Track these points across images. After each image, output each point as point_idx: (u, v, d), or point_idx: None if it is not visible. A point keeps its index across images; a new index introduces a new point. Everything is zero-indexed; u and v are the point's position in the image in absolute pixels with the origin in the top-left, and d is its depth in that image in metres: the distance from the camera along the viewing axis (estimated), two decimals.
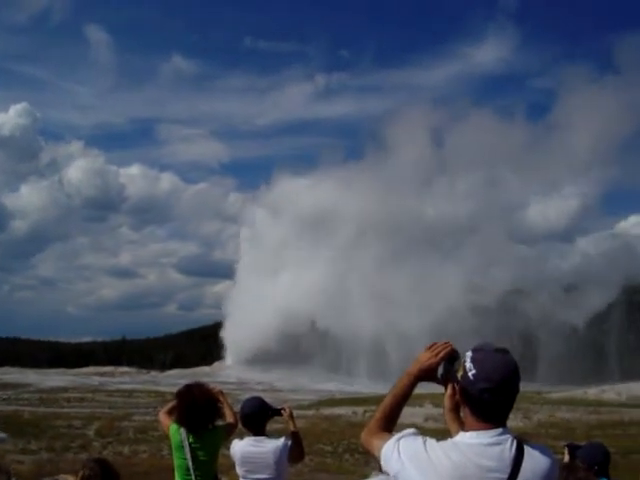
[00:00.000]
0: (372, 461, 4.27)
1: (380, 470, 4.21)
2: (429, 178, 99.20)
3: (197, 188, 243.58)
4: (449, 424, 2.62)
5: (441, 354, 2.49)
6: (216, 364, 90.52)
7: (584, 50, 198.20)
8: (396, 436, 2.43)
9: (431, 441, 2.35)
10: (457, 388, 2.40)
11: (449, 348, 2.50)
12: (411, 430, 2.47)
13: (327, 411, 33.37)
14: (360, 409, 32.97)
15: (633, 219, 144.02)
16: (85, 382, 57.11)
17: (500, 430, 2.30)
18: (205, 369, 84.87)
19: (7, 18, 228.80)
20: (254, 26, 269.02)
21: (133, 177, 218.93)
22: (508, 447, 2.28)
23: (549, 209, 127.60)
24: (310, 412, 32.26)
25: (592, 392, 44.71)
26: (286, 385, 60.83)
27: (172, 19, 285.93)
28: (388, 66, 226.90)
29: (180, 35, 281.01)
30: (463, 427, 2.46)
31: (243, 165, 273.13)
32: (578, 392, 45.29)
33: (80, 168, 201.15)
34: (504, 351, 2.34)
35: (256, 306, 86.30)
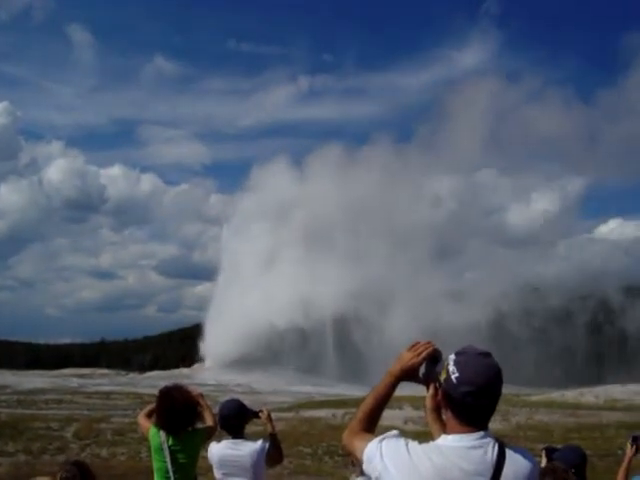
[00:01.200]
0: (354, 464, 4.25)
1: (361, 473, 4.19)
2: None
3: (178, 189, 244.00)
4: (430, 424, 2.61)
5: (423, 354, 2.48)
6: (196, 366, 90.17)
7: (566, 53, 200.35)
8: (378, 438, 2.41)
9: (413, 443, 2.34)
10: (440, 391, 2.39)
11: (431, 348, 2.50)
12: (394, 432, 2.46)
13: (307, 413, 33.30)
14: (340, 411, 32.90)
15: (612, 223, 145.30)
16: (63, 384, 56.66)
17: (482, 433, 2.30)
18: (184, 371, 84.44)
19: None
20: (237, 28, 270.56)
21: (114, 178, 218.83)
22: (490, 450, 2.28)
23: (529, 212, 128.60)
24: (289, 414, 32.17)
25: (570, 395, 44.95)
26: (265, 387, 60.66)
27: (155, 20, 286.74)
28: (371, 69, 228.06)
29: (163, 36, 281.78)
30: (445, 427, 2.45)
31: (225, 167, 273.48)
32: (556, 395, 45.53)
33: (60, 168, 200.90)
34: (487, 354, 2.34)
35: (239, 308, 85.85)
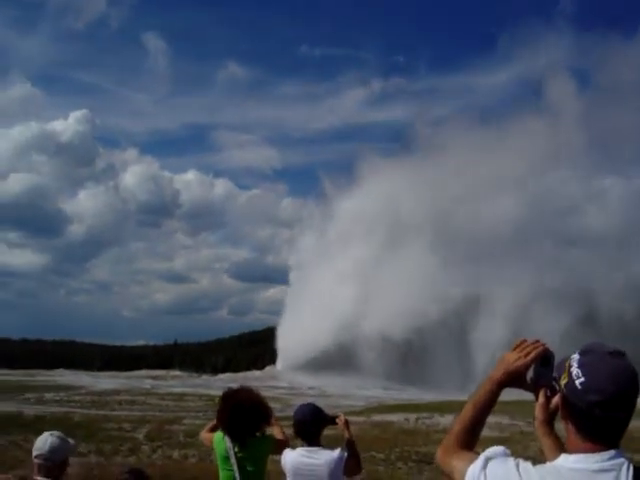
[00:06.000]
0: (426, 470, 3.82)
1: None
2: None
3: (250, 194, 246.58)
4: (541, 439, 2.18)
5: (532, 354, 2.05)
6: (267, 368, 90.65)
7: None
8: (483, 456, 1.96)
9: (525, 464, 1.89)
10: (559, 399, 1.95)
11: (541, 348, 2.06)
12: (500, 449, 2.01)
13: (378, 417, 32.90)
14: (412, 415, 32.47)
15: None
16: (137, 385, 57.54)
17: (612, 453, 1.83)
18: (256, 373, 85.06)
19: (66, 26, 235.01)
20: (310, 33, 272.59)
21: (188, 183, 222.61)
22: (623, 475, 1.80)
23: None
24: (361, 418, 31.79)
25: None
26: (337, 391, 60.38)
27: (228, 26, 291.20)
28: (444, 70, 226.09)
29: (235, 42, 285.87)
30: (558, 443, 2.06)
31: (295, 171, 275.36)
32: None
33: (135, 174, 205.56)
34: (619, 353, 1.87)
35: (311, 312, 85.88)
